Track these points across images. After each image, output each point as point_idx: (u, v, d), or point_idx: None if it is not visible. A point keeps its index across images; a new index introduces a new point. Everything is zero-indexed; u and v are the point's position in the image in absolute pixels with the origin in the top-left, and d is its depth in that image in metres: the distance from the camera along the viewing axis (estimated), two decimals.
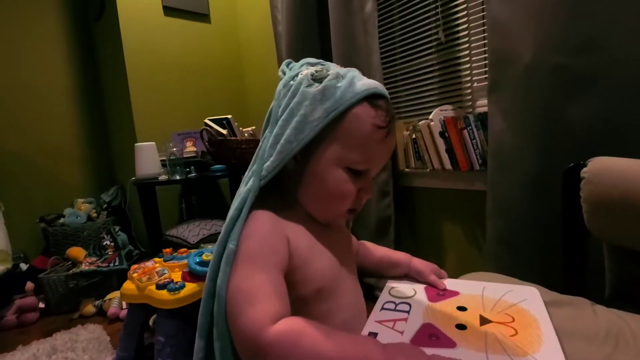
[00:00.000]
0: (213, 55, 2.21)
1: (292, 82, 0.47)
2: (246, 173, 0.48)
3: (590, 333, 0.46)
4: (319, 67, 0.47)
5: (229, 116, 1.60)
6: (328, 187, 0.46)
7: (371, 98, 0.45)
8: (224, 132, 1.54)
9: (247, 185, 0.45)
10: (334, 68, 0.48)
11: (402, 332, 0.43)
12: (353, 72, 0.47)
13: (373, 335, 0.43)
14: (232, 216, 0.44)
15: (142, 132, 1.93)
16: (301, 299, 0.44)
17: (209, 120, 1.57)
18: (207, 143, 1.57)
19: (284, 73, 0.51)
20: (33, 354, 1.29)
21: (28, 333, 1.51)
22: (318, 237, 0.48)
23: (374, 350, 0.36)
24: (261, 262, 0.41)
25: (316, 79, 0.45)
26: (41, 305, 1.70)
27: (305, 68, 0.48)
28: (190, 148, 1.76)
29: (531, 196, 0.88)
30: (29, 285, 1.76)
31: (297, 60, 0.53)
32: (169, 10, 2.01)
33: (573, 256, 0.68)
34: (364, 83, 0.45)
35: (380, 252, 0.65)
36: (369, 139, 0.45)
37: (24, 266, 1.91)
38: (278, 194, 0.48)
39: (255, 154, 0.47)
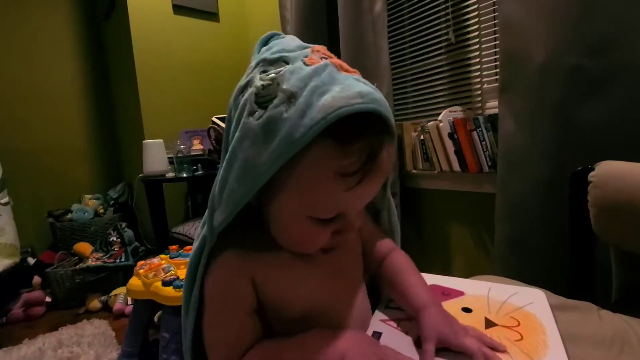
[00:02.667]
0: (221, 53, 2.22)
1: (239, 99, 0.35)
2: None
3: (595, 338, 0.45)
4: (271, 74, 0.33)
5: None
6: (290, 234, 0.38)
7: (343, 125, 0.30)
8: None
9: (203, 231, 0.40)
10: (293, 73, 0.33)
11: (406, 332, 0.42)
12: (318, 80, 0.32)
13: (377, 334, 0.42)
14: (193, 263, 0.41)
15: (150, 130, 1.95)
16: (289, 321, 0.41)
17: (216, 118, 1.58)
18: (213, 141, 1.57)
19: (252, 62, 0.39)
20: (39, 348, 1.30)
21: (34, 327, 1.54)
22: (299, 261, 0.41)
23: (314, 345, 0.37)
24: (220, 308, 0.40)
25: (261, 102, 0.33)
26: (48, 299, 1.72)
27: (258, 72, 0.35)
28: (197, 146, 1.77)
29: (541, 199, 0.86)
30: (36, 279, 1.79)
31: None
32: (178, 9, 2.03)
33: (580, 260, 0.67)
34: (326, 103, 0.30)
35: (405, 279, 0.47)
36: (333, 189, 0.33)
37: (31, 260, 1.94)
38: (251, 218, 0.41)
39: (214, 183, 0.39)
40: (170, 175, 1.65)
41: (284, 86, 0.32)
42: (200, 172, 1.63)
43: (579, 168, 0.64)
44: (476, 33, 1.18)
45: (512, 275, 0.68)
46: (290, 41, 0.39)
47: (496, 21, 1.06)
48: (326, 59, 0.36)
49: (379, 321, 0.45)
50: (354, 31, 1.33)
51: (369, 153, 0.32)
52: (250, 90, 0.34)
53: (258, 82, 0.33)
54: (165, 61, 2.01)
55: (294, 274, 0.41)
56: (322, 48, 0.38)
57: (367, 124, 0.32)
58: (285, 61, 0.35)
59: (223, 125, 1.55)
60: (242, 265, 0.40)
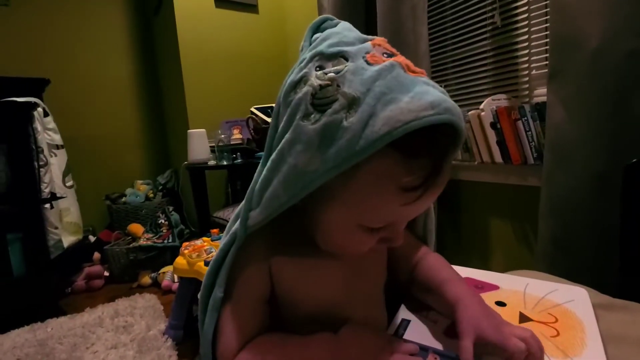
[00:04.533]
0: (260, 45, 2.26)
1: (292, 96, 0.32)
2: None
3: None
4: (330, 73, 0.30)
5: (274, 105, 1.64)
6: (336, 240, 0.37)
7: (409, 137, 0.28)
8: (269, 120, 1.59)
9: (234, 227, 0.38)
10: (355, 74, 0.30)
11: (435, 322, 0.43)
12: (383, 85, 0.29)
13: (406, 322, 0.43)
14: (217, 259, 0.39)
15: (194, 120, 2.05)
16: (301, 320, 0.41)
17: (255, 108, 1.63)
18: (252, 131, 1.62)
19: (302, 50, 0.36)
20: (98, 316, 1.45)
21: (94, 297, 1.71)
22: (322, 260, 0.40)
23: (319, 352, 0.36)
24: (233, 294, 0.39)
25: (317, 104, 0.30)
26: (106, 273, 1.90)
27: (313, 66, 0.32)
28: (236, 135, 1.84)
29: (592, 194, 0.81)
30: (96, 255, 1.98)
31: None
32: (219, 2, 2.09)
33: (631, 259, 0.62)
34: (393, 115, 0.27)
35: (438, 275, 0.44)
36: (391, 203, 0.31)
37: (92, 238, 2.15)
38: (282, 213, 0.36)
39: (254, 180, 0.37)
40: (211, 163, 1.74)
41: (345, 89, 0.29)
42: (239, 161, 1.70)
43: (634, 160, 0.59)
44: (525, 15, 1.11)
45: (557, 272, 0.64)
46: (347, 31, 0.35)
47: (547, 2, 0.99)
48: (389, 55, 0.33)
49: (408, 310, 0.46)
50: (392, 17, 1.30)
51: (434, 166, 0.30)
52: (306, 89, 0.31)
53: (315, 82, 0.31)
54: (208, 54, 2.09)
55: (312, 272, 0.40)
56: (382, 41, 0.35)
57: (436, 136, 0.29)
58: (344, 57, 0.32)
59: (261, 115, 1.59)
60: (264, 253, 0.39)
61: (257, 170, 0.36)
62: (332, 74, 0.30)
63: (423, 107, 0.28)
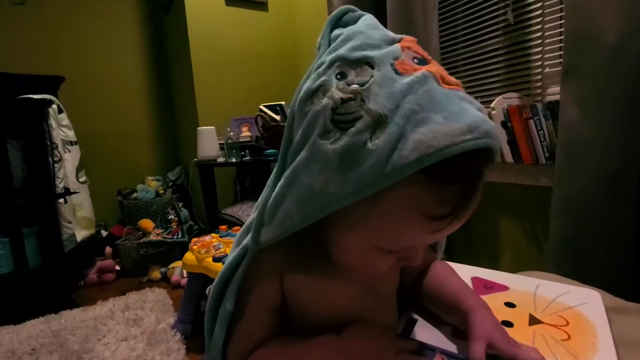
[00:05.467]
0: (270, 42, 2.26)
1: (308, 107, 0.29)
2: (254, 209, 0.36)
3: None
4: (354, 85, 0.27)
5: (283, 103, 1.64)
6: (352, 260, 0.34)
7: (438, 165, 0.24)
8: (277, 117, 1.59)
9: (244, 241, 0.36)
10: (381, 86, 0.26)
11: (443, 323, 0.42)
12: (413, 101, 0.25)
13: (413, 321, 0.43)
14: (226, 271, 0.38)
15: (203, 117, 2.06)
16: (310, 325, 0.40)
17: (264, 106, 1.63)
18: (261, 128, 1.63)
19: (319, 48, 0.33)
20: (110, 309, 1.48)
21: (106, 290, 1.74)
22: (330, 277, 0.38)
23: (323, 354, 0.36)
24: (245, 306, 0.38)
25: (338, 121, 0.26)
26: (117, 267, 1.93)
27: (333, 74, 0.29)
28: (245, 133, 1.84)
29: (604, 194, 0.79)
30: (108, 249, 2.01)
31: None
32: (230, 0, 2.10)
33: None
34: (425, 139, 0.24)
35: (450, 286, 0.43)
36: (414, 230, 0.28)
37: (104, 233, 2.19)
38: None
39: (264, 192, 0.35)
40: (221, 160, 1.75)
41: (370, 105, 0.26)
42: (248, 158, 1.71)
43: None
44: (539, 12, 1.08)
45: (567, 273, 0.63)
46: (372, 30, 0.31)
47: None
48: (420, 61, 0.29)
49: (415, 310, 0.46)
50: (402, 14, 1.28)
51: (466, 193, 0.27)
52: (325, 102, 0.27)
53: (336, 94, 0.27)
54: (218, 52, 2.09)
55: (326, 286, 0.38)
56: (412, 43, 0.31)
57: (470, 160, 0.25)
58: (369, 64, 0.28)
59: (270, 113, 1.60)
60: (278, 267, 0.38)
61: (270, 183, 0.34)
62: (356, 86, 0.27)
63: (460, 130, 0.24)
